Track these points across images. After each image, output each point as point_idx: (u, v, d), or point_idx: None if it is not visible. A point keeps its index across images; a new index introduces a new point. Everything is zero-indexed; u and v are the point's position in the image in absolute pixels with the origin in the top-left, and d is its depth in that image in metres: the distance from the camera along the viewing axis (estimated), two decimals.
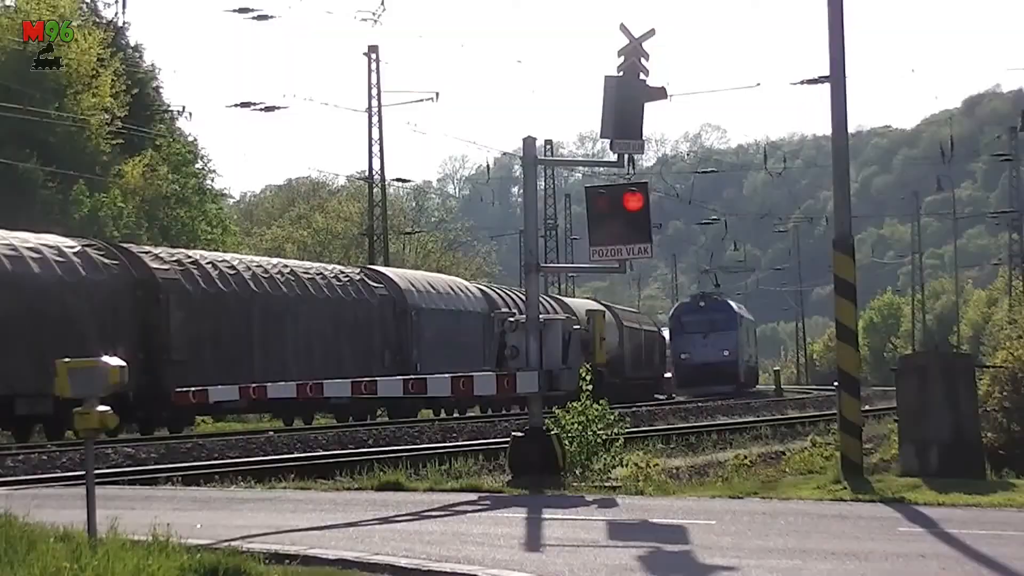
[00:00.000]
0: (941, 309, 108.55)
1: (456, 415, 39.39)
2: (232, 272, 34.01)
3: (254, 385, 17.95)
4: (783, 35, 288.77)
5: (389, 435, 26.52)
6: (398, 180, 66.42)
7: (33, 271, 28.28)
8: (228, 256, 37.43)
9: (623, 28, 15.27)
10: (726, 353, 60.08)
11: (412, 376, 17.01)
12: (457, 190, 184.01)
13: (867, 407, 30.13)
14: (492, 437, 25.19)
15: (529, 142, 16.48)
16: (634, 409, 35.08)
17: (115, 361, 9.58)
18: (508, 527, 11.30)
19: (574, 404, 16.87)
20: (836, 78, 15.77)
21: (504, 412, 39.24)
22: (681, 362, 60.83)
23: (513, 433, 17.12)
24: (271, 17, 52.69)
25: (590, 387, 16.74)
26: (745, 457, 19.76)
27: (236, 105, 51.29)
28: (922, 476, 14.60)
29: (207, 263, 33.80)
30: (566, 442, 16.26)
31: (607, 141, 15.71)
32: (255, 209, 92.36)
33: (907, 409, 15.67)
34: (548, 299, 49.12)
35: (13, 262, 27.98)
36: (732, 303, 65.36)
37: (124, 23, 57.11)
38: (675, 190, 73.69)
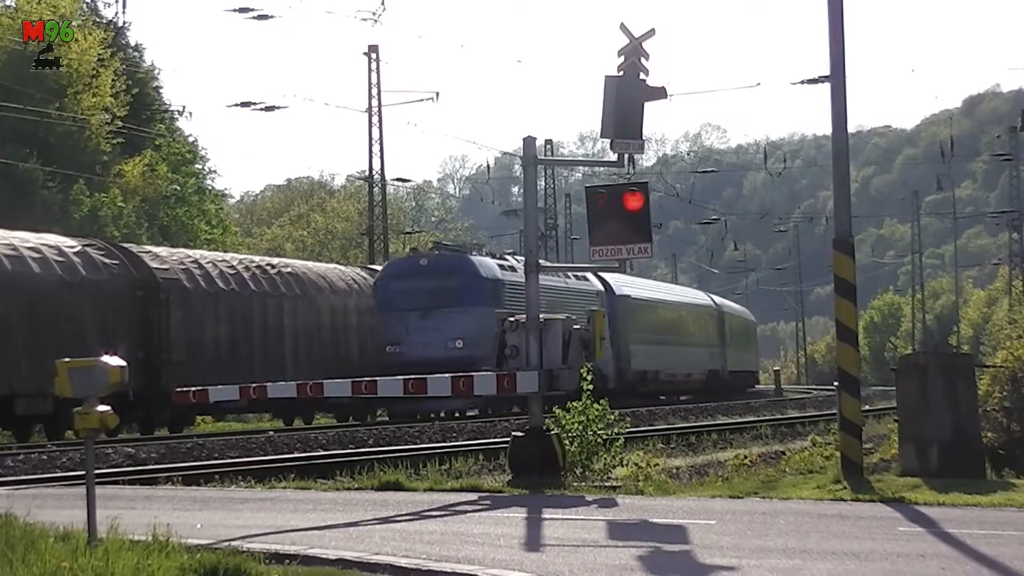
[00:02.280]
0: (941, 309, 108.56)
1: (456, 415, 39.30)
2: (232, 272, 34.00)
3: (254, 385, 17.93)
4: (783, 35, 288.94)
5: (389, 435, 26.52)
6: (398, 180, 66.46)
7: (33, 271, 28.26)
8: (228, 256, 37.42)
9: (623, 28, 15.29)
10: (458, 344, 36.14)
11: (412, 376, 16.96)
12: (457, 190, 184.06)
13: (867, 407, 30.15)
14: (492, 437, 25.20)
15: (529, 142, 16.48)
16: (634, 409, 35.08)
17: (115, 361, 9.59)
18: (508, 527, 11.31)
19: (575, 404, 16.88)
20: (836, 78, 15.77)
21: (504, 412, 39.16)
22: (388, 359, 35.89)
23: (513, 433, 17.12)
24: (271, 17, 52.73)
25: (591, 387, 16.76)
26: (745, 457, 19.77)
27: (236, 105, 51.37)
28: (922, 476, 14.60)
29: (207, 263, 33.79)
30: (566, 442, 16.27)
31: (607, 141, 15.72)
32: (255, 209, 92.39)
33: (907, 409, 15.67)
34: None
35: (13, 262, 27.97)
36: (486, 260, 38.94)
37: (124, 23, 57.16)
38: (675, 190, 73.75)
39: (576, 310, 41.95)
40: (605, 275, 45.47)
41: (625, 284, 47.33)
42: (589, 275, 44.63)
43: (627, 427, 18.09)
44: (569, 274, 43.22)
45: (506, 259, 39.60)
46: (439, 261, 38.18)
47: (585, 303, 41.72)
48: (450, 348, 35.81)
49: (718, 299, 62.46)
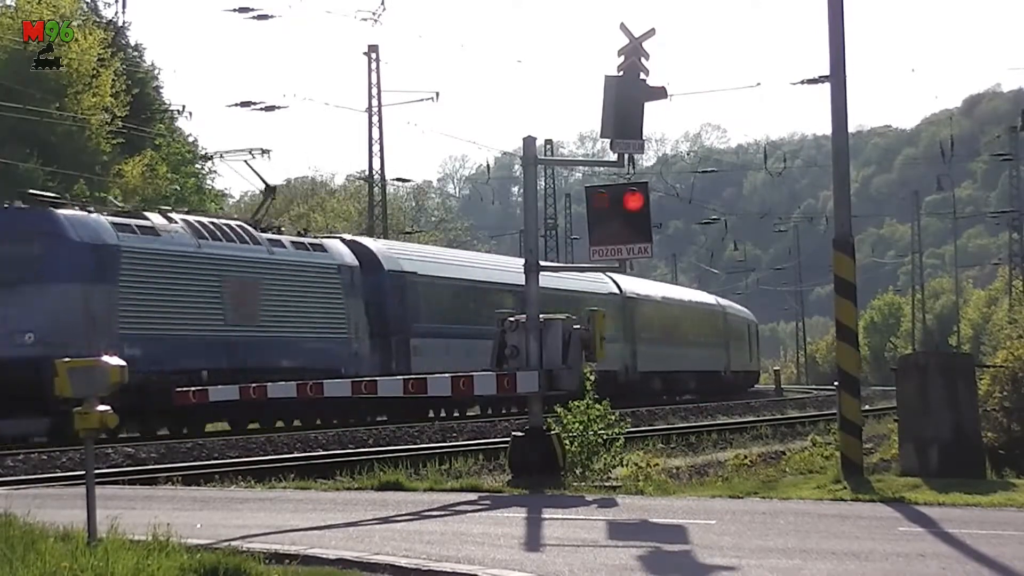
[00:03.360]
0: (941, 309, 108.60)
1: (456, 415, 39.24)
2: None
3: (254, 385, 17.94)
4: (783, 35, 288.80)
5: (389, 435, 26.52)
6: (398, 180, 66.45)
7: None
8: None
9: (623, 28, 15.29)
10: (28, 339, 25.42)
11: (412, 376, 16.97)
12: (457, 190, 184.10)
13: (867, 407, 30.16)
14: (492, 437, 25.21)
15: (529, 142, 16.49)
16: (634, 409, 35.09)
17: (115, 361, 9.58)
18: (508, 527, 11.31)
19: (576, 403, 16.90)
20: (836, 78, 15.77)
21: (504, 412, 39.16)
22: None
23: (513, 433, 17.13)
24: (271, 17, 52.56)
25: (594, 386, 16.79)
26: (745, 457, 19.79)
27: (236, 105, 51.38)
28: (922, 476, 14.60)
29: None
30: (566, 442, 16.28)
31: (607, 141, 15.73)
32: (255, 209, 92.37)
33: (907, 409, 15.66)
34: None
35: None
36: (88, 217, 26.83)
37: (124, 23, 57.23)
38: (675, 190, 73.81)
39: (300, 291, 30.82)
40: (372, 245, 35.59)
41: (410, 257, 36.20)
42: (335, 245, 33.63)
43: (627, 427, 18.11)
44: (287, 243, 31.81)
45: (146, 218, 28.44)
46: (12, 219, 26.36)
47: (319, 283, 31.97)
48: (20, 344, 25.19)
49: (628, 282, 49.83)
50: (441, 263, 38.37)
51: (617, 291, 48.19)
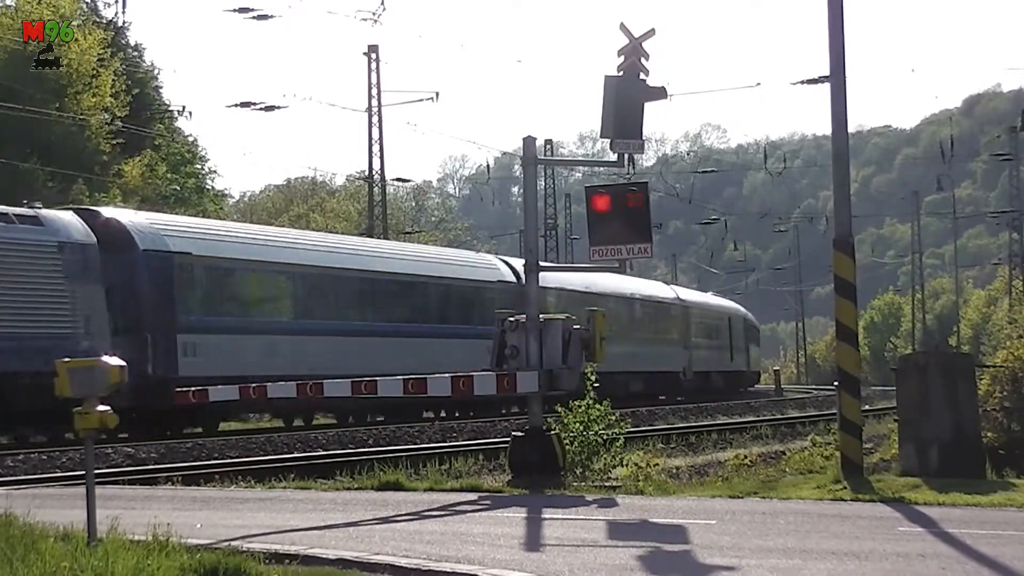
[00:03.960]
0: (941, 309, 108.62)
1: (457, 415, 39.22)
2: None
3: (254, 385, 17.92)
4: (783, 35, 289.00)
5: (389, 435, 26.53)
6: (398, 180, 66.40)
7: None
8: None
9: (623, 28, 15.29)
10: None
11: (412, 376, 16.94)
12: (457, 190, 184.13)
13: (867, 407, 30.16)
14: (492, 437, 25.22)
15: (529, 142, 16.49)
16: (634, 409, 35.07)
17: (115, 360, 9.58)
18: (508, 527, 11.31)
19: (577, 403, 16.90)
20: (836, 78, 15.77)
21: (504, 412, 39.13)
22: None
23: (513, 433, 17.13)
24: (271, 17, 52.47)
25: (595, 386, 16.79)
26: (745, 457, 19.79)
27: (236, 105, 51.33)
28: (922, 476, 14.60)
29: None
30: (567, 442, 16.28)
31: (607, 141, 15.73)
32: (255, 209, 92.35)
33: (907, 409, 15.67)
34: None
35: None
36: None
37: (124, 23, 57.19)
38: (675, 190, 73.74)
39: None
40: (124, 218, 28.79)
41: (182, 234, 29.31)
42: (58, 218, 26.62)
43: (627, 427, 18.11)
44: None
45: None
46: None
47: (25, 264, 25.36)
48: None
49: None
50: (231, 242, 30.83)
51: (513, 279, 39.06)
